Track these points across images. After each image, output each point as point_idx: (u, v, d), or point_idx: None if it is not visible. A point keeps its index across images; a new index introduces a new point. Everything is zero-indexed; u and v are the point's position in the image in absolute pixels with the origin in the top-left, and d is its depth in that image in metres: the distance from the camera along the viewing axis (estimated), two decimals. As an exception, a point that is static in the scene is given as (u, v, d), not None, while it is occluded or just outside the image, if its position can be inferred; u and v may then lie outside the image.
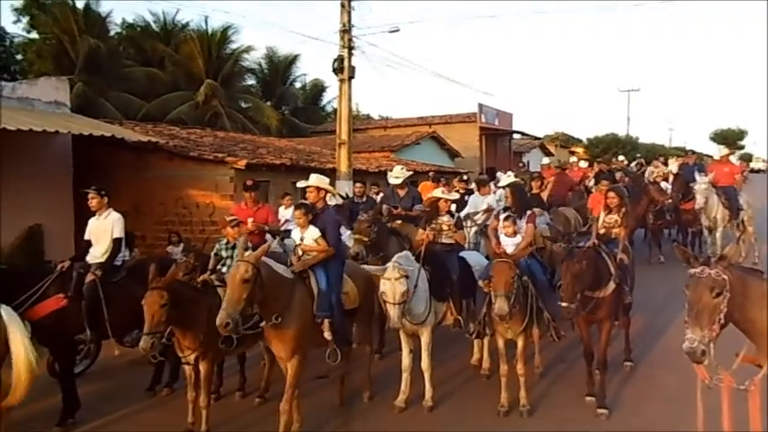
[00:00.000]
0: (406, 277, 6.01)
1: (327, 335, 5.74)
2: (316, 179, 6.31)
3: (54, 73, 19.12)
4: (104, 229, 6.71)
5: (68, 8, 24.63)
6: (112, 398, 6.93)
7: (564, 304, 5.77)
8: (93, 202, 6.76)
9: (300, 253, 5.93)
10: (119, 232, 6.72)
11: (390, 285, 5.94)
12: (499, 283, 5.82)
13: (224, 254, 6.67)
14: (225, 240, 6.74)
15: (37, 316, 6.23)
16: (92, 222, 6.83)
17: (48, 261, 10.47)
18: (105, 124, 13.24)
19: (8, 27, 43.07)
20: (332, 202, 10.23)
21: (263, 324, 5.41)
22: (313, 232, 5.91)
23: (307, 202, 6.24)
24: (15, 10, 26.20)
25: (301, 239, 5.98)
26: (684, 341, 3.77)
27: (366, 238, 7.90)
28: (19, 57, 26.69)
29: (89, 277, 6.41)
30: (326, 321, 5.72)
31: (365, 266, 7.18)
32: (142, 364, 7.07)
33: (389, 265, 6.11)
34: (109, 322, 6.33)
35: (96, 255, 6.66)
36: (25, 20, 26.21)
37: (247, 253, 5.26)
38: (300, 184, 6.60)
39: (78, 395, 6.41)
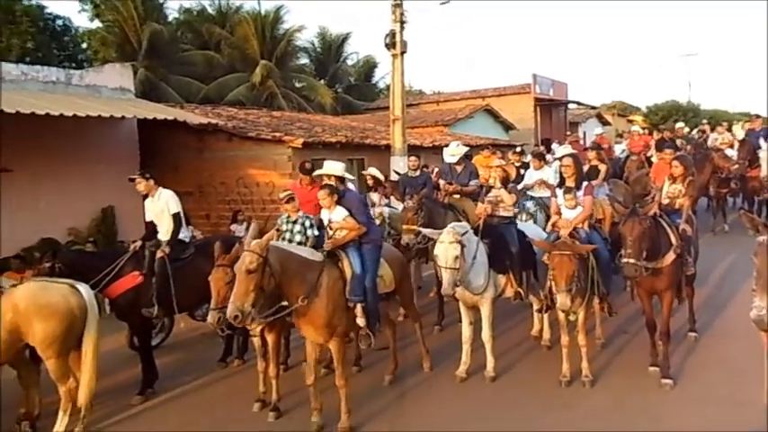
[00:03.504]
0: (461, 243, 6.05)
1: (361, 321, 5.65)
2: (328, 167, 6.27)
3: (118, 60, 19.76)
4: (161, 208, 6.92)
5: (128, -4, 25.27)
6: (187, 369, 7.30)
7: (632, 261, 5.71)
8: (141, 186, 6.92)
9: (331, 232, 5.89)
10: (175, 207, 6.89)
11: (443, 248, 6.01)
12: (560, 277, 5.77)
13: (284, 228, 6.76)
14: (286, 215, 6.85)
15: (115, 293, 6.60)
16: (147, 204, 7.04)
17: (120, 241, 11.02)
18: (168, 108, 13.69)
19: (73, 17, 44.56)
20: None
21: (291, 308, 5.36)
22: (340, 212, 5.84)
23: (331, 183, 6.17)
24: (79, 0, 27.08)
25: (329, 221, 5.94)
26: (752, 309, 3.73)
27: (414, 227, 7.84)
28: (84, 46, 27.63)
29: (159, 254, 6.67)
30: (359, 306, 5.63)
31: (423, 230, 7.34)
32: (214, 337, 7.39)
33: (445, 229, 6.22)
34: (178, 297, 6.63)
35: (163, 233, 6.93)
36: (89, 9, 27.05)
37: (254, 242, 5.12)
38: (316, 172, 6.59)
39: (156, 367, 6.78)
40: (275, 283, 5.14)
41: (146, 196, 7.05)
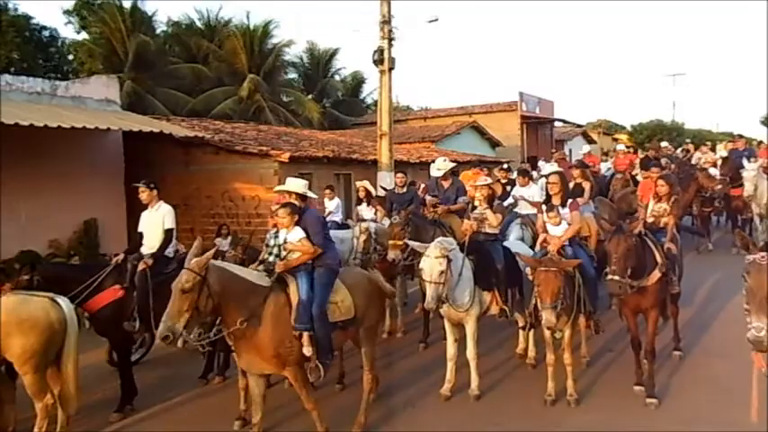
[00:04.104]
0: (447, 258, 6.03)
1: (307, 350, 5.25)
2: (290, 184, 5.96)
3: (104, 72, 19.74)
4: (156, 221, 6.89)
5: (116, 8, 25.28)
6: (168, 386, 7.17)
7: (616, 278, 5.71)
8: (144, 195, 6.95)
9: (284, 253, 5.68)
10: (170, 223, 6.89)
11: (429, 262, 5.99)
12: (545, 293, 5.73)
13: (271, 242, 6.70)
14: (274, 231, 6.76)
15: (95, 307, 6.49)
16: (144, 215, 7.03)
17: (103, 254, 10.88)
18: (154, 120, 13.60)
19: (60, 28, 44.50)
20: (332, 203, 10.39)
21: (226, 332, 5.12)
22: (297, 233, 5.57)
23: (292, 201, 5.90)
24: (66, 12, 27.05)
25: (285, 241, 5.67)
26: (750, 329, 3.69)
27: (401, 242, 7.83)
28: (71, 57, 27.54)
29: (140, 266, 6.59)
30: (306, 335, 5.25)
31: (410, 242, 7.22)
32: (195, 353, 7.27)
33: (432, 243, 6.20)
34: (160, 312, 6.50)
35: (149, 246, 6.86)
36: (75, 21, 27.01)
37: (194, 260, 4.86)
38: (277, 188, 6.24)
39: (135, 383, 6.65)
40: (213, 304, 4.89)
41: (143, 208, 7.02)
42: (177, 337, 4.73)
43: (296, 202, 5.83)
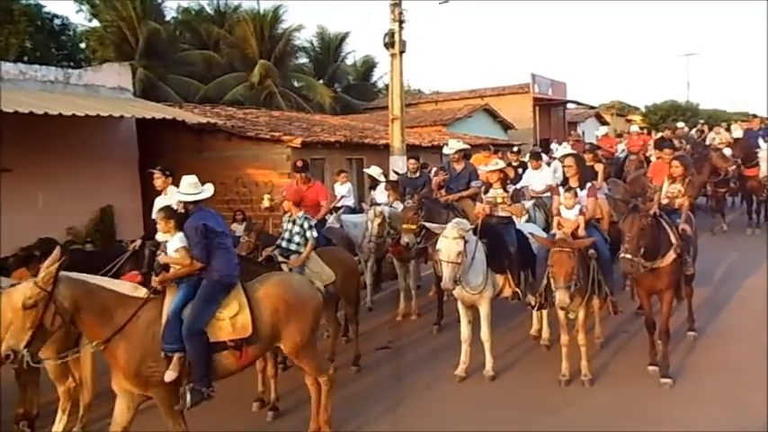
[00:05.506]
0: (464, 239, 6.07)
1: (169, 375, 4.56)
2: (181, 185, 5.19)
3: (116, 59, 19.73)
4: None
5: (126, -5, 25.29)
6: (186, 369, 7.26)
7: (628, 256, 5.74)
8: (158, 182, 7.00)
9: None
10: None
11: (447, 243, 6.03)
12: (559, 273, 5.75)
13: (284, 226, 6.61)
14: (288, 214, 6.70)
15: (114, 293, 6.58)
16: (158, 202, 7.05)
17: (119, 240, 11.02)
18: (167, 107, 13.69)
19: (71, 16, 44.60)
20: (344, 188, 10.36)
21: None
22: (175, 242, 4.93)
23: (173, 205, 5.31)
24: (77, 0, 27.08)
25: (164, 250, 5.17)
26: None
27: (414, 226, 7.84)
28: (82, 45, 27.59)
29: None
30: (175, 357, 4.59)
31: (427, 224, 7.20)
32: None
33: (449, 224, 6.22)
34: None
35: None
36: (86, 9, 27.04)
37: (42, 273, 4.33)
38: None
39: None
40: (63, 320, 4.38)
41: (158, 194, 7.06)
42: (20, 357, 4.27)
43: (175, 206, 5.22)
